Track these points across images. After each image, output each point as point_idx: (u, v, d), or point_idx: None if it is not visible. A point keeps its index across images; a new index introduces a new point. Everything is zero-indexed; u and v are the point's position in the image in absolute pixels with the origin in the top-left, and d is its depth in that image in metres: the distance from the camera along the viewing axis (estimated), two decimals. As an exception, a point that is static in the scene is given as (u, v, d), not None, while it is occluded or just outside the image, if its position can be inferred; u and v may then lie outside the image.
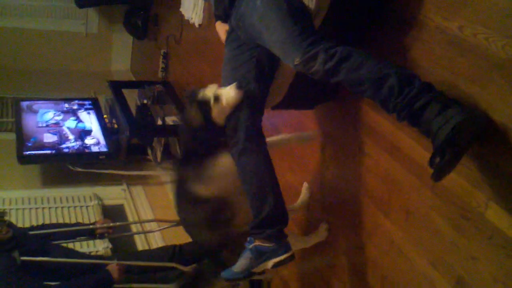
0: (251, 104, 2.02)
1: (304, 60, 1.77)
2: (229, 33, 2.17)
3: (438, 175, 1.56)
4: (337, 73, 1.74)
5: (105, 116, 4.68)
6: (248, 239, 2.05)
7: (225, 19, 2.24)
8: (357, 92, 1.78)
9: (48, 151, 4.10)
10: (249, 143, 2.00)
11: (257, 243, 2.02)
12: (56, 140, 4.23)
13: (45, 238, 2.90)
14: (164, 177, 4.47)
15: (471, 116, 1.56)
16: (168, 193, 4.28)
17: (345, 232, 2.48)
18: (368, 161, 2.29)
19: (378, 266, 2.25)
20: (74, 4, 5.43)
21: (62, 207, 3.98)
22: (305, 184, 2.75)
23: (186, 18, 4.26)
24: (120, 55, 6.31)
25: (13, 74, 5.56)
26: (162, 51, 5.02)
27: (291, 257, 2.05)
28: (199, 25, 4.09)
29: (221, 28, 2.32)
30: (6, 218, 2.74)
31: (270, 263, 2.03)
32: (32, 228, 3.01)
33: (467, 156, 1.69)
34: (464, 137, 1.56)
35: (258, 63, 2.04)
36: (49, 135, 4.27)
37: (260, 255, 2.02)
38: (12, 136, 4.33)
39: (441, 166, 1.53)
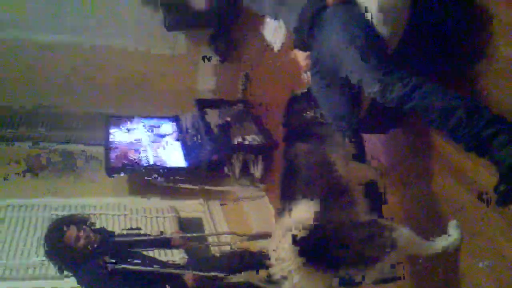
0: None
1: (381, 89, 1.87)
2: (314, 64, 2.26)
3: (503, 201, 1.59)
4: (410, 100, 1.81)
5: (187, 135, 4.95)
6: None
7: (304, 49, 2.33)
8: (426, 121, 1.85)
9: (131, 164, 4.44)
10: None
11: None
12: (139, 155, 4.57)
13: (127, 245, 3.09)
14: (241, 193, 4.64)
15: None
16: (243, 208, 4.44)
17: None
18: (434, 186, 2.32)
19: None
20: (164, 27, 5.79)
21: (144, 216, 4.27)
22: None
23: (267, 40, 4.44)
24: (204, 75, 6.53)
25: (105, 90, 5.87)
26: (243, 72, 5.24)
27: None
28: (278, 50, 4.24)
29: (300, 55, 2.45)
30: (93, 221, 2.98)
31: None
32: (113, 234, 3.16)
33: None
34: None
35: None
36: (133, 150, 4.62)
37: None
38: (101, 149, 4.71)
39: (505, 193, 1.56)
